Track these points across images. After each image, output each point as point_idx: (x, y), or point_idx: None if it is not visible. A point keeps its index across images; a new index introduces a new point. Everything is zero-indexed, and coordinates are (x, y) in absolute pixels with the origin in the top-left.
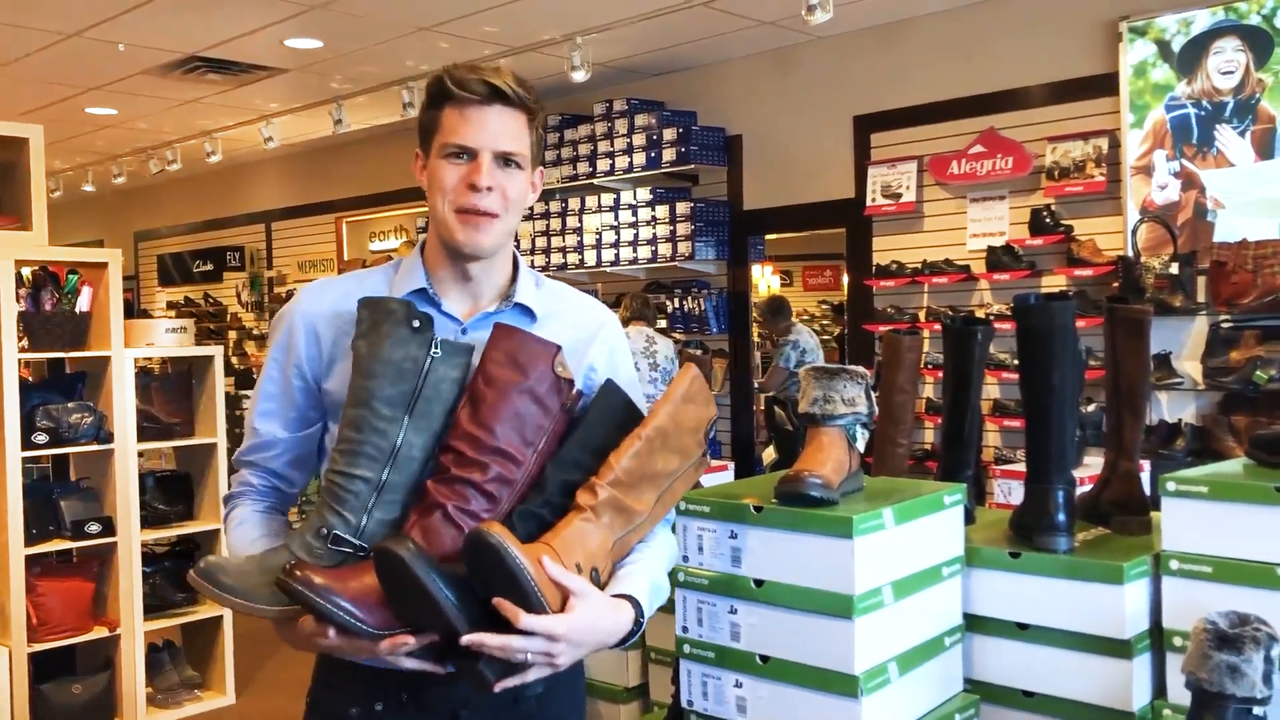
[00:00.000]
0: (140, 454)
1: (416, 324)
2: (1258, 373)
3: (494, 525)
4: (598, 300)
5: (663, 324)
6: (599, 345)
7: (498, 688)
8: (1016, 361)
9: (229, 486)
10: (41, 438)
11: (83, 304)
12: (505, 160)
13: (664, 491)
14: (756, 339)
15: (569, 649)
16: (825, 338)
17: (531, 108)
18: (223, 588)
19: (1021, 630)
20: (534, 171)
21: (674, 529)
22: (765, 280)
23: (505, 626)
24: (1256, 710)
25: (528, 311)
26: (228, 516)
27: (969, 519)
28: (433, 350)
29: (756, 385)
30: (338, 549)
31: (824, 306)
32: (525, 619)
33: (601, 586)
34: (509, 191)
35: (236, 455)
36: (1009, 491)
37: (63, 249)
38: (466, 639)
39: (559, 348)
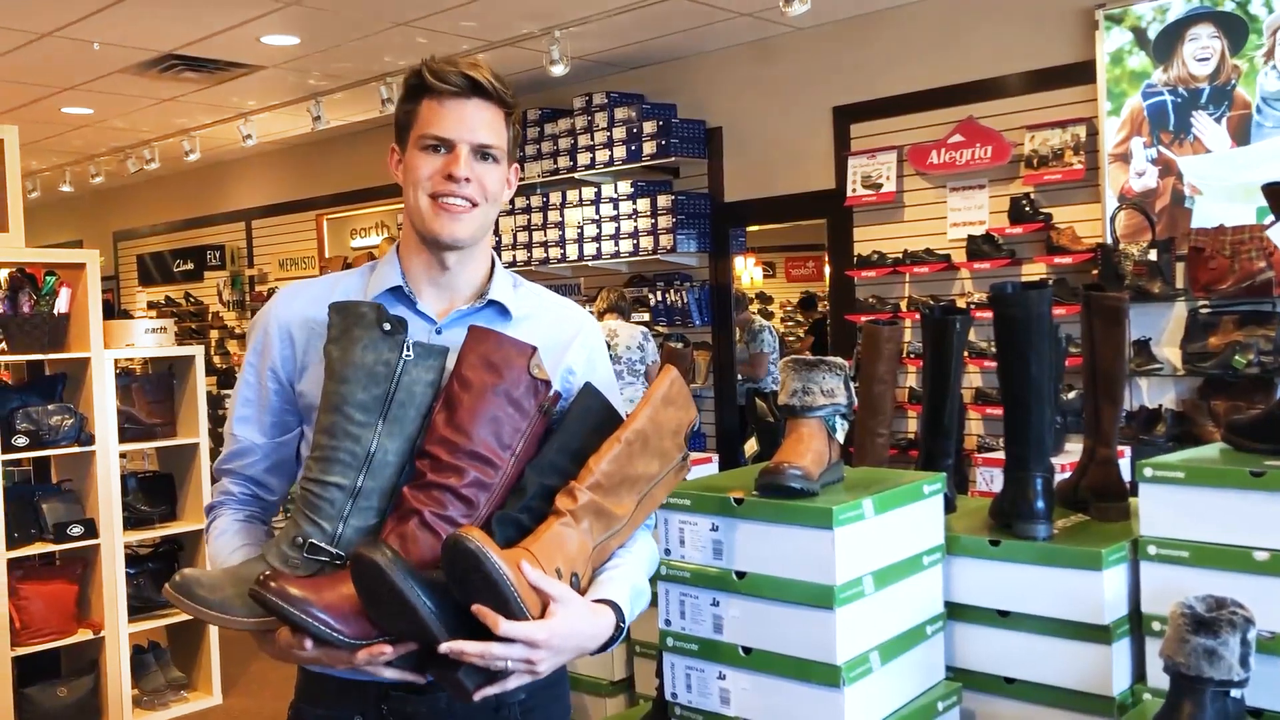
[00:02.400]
0: (122, 455)
1: (388, 327)
2: (1236, 357)
3: (472, 530)
4: (575, 303)
5: (645, 317)
6: (577, 348)
7: (477, 696)
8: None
9: (212, 488)
10: (22, 440)
11: (61, 305)
12: (483, 154)
13: (644, 496)
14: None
15: (549, 656)
16: (800, 332)
17: (509, 102)
18: (198, 601)
19: (1002, 617)
20: (510, 167)
21: (654, 527)
22: (748, 272)
23: (484, 634)
24: (1234, 693)
25: (503, 310)
26: (209, 527)
27: (950, 507)
28: (405, 353)
29: (741, 377)
30: (314, 558)
31: (786, 307)
32: (505, 625)
33: (582, 591)
34: (486, 183)
35: (216, 464)
36: (991, 479)
37: (40, 250)
38: (445, 647)
39: (535, 349)
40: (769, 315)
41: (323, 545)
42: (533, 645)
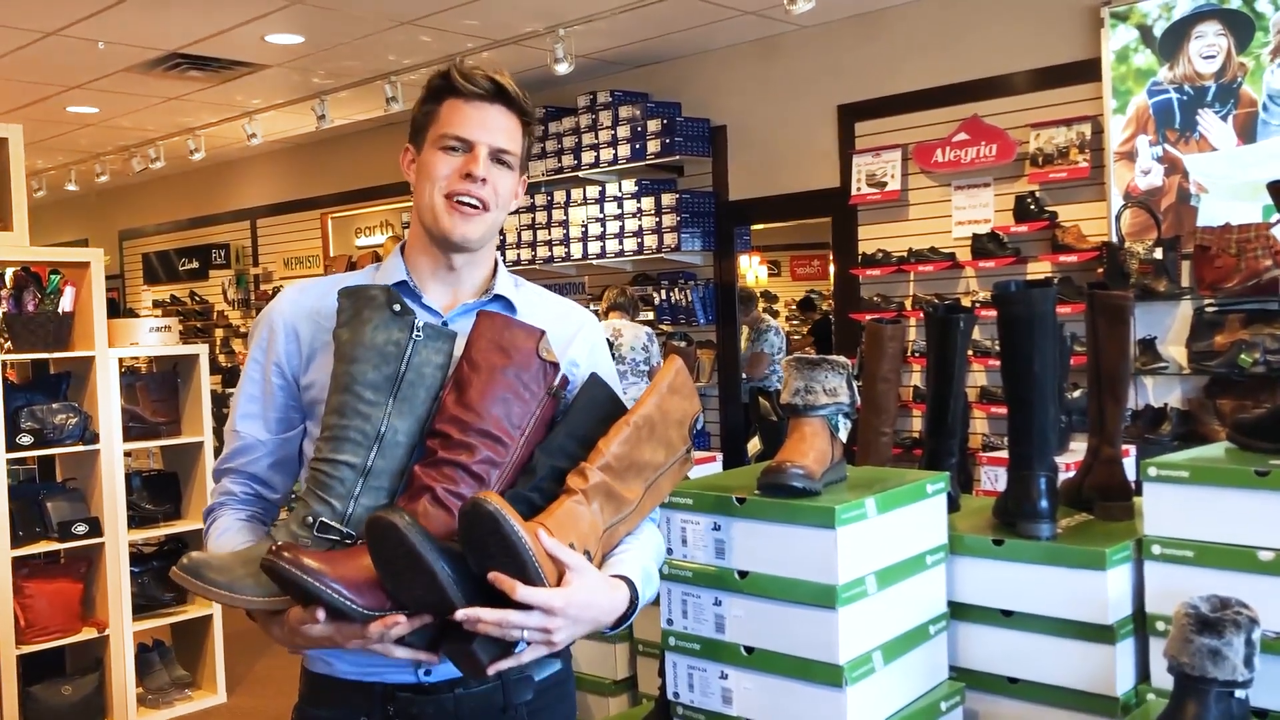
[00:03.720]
0: (126, 454)
1: (398, 308)
2: (1242, 356)
3: (491, 495)
4: (577, 303)
5: (649, 316)
6: (580, 342)
7: (491, 670)
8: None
9: (212, 489)
10: (26, 439)
11: (65, 304)
12: (499, 159)
13: (651, 485)
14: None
15: (566, 625)
16: (804, 330)
17: (529, 114)
18: (208, 581)
19: (1006, 617)
20: (521, 178)
21: (659, 523)
22: (753, 271)
23: (500, 603)
24: (1238, 693)
25: (508, 305)
26: (209, 527)
27: (953, 507)
28: (415, 333)
29: (744, 375)
30: (324, 536)
31: (791, 306)
32: (523, 591)
33: None
34: (500, 188)
35: (217, 464)
36: (995, 478)
37: (44, 249)
38: (462, 613)
39: (543, 332)
40: (774, 314)
41: (333, 524)
42: (550, 613)
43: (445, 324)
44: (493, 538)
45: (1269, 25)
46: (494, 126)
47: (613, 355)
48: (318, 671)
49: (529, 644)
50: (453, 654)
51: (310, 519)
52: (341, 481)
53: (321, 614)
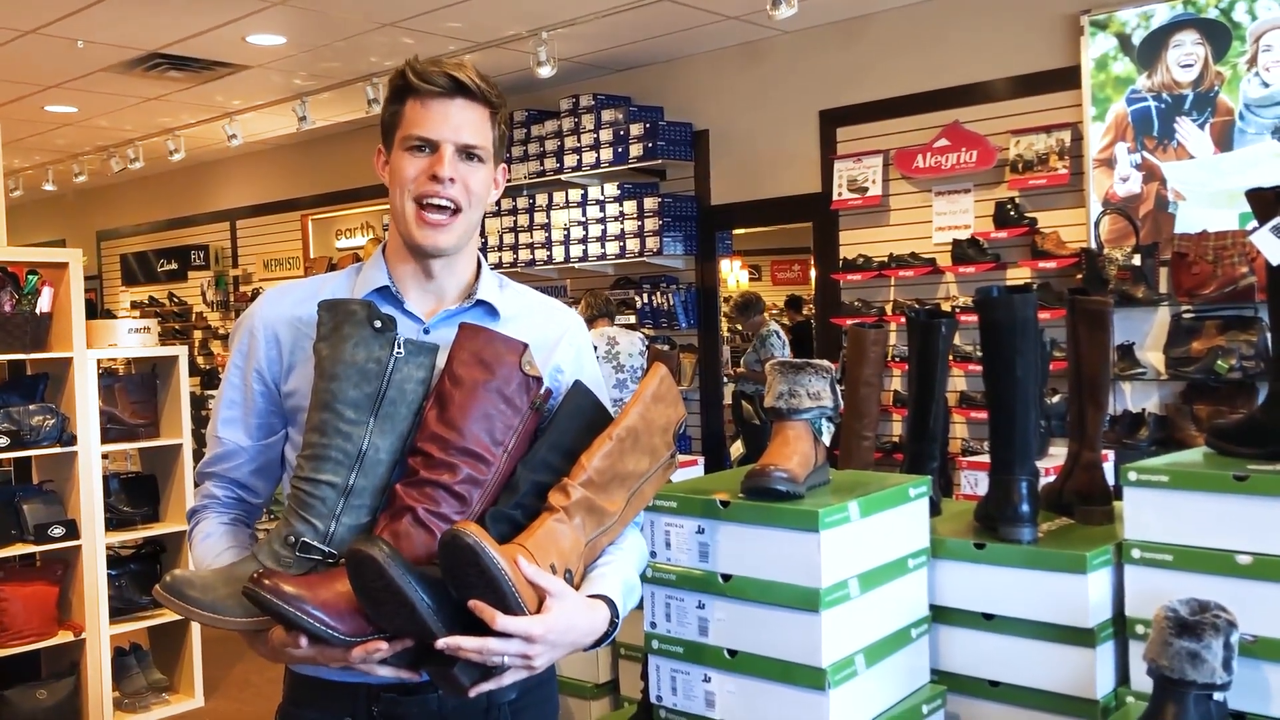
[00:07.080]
0: (104, 456)
1: (378, 324)
2: (1219, 362)
3: (470, 525)
4: (562, 303)
5: (631, 320)
6: (565, 346)
7: (472, 693)
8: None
9: (194, 491)
10: (2, 440)
11: (43, 305)
12: (468, 154)
13: (634, 493)
14: (726, 333)
15: (546, 650)
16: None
17: (494, 102)
18: (190, 601)
19: (987, 620)
20: (497, 167)
21: (642, 527)
22: (734, 275)
23: (480, 629)
24: (1217, 696)
25: (491, 310)
26: (193, 530)
27: (935, 511)
28: (396, 350)
29: (730, 379)
30: (306, 556)
31: (772, 311)
32: (502, 620)
33: (575, 587)
34: (471, 184)
35: (199, 467)
36: (976, 483)
37: (21, 249)
38: (442, 642)
39: (526, 345)
40: None
41: (315, 544)
42: (530, 640)
43: (427, 330)
44: (472, 569)
45: (1245, 35)
46: (457, 123)
47: (614, 365)
48: (303, 673)
49: (509, 667)
50: (434, 675)
51: (292, 538)
52: (323, 501)
53: (304, 640)
